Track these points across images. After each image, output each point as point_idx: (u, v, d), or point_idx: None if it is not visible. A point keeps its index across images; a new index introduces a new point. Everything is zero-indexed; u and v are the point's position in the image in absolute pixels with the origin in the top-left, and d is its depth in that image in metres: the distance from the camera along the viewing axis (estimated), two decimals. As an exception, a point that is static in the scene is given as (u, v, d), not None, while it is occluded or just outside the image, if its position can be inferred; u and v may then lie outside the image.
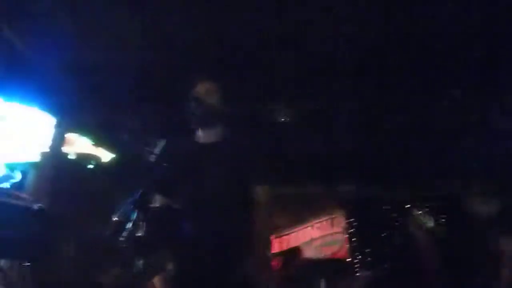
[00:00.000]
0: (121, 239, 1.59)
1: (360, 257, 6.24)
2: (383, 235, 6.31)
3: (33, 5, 3.55)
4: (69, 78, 4.40)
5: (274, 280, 4.12)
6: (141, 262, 1.72)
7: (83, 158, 5.01)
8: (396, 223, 6.34)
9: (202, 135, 2.44)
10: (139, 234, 1.58)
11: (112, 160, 5.00)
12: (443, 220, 4.05)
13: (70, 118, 4.76)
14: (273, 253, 6.41)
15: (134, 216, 1.58)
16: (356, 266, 6.15)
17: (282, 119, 4.71)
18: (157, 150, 1.88)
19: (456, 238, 4.80)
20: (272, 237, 5.58)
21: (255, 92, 4.73)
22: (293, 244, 6.42)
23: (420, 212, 3.95)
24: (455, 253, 6.12)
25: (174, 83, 4.28)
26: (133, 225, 1.57)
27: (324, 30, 3.87)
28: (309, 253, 6.23)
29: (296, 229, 6.47)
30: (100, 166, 5.03)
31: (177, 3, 3.59)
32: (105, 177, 5.25)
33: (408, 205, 5.81)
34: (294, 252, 6.34)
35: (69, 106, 4.66)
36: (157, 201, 2.14)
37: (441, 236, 5.30)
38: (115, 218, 1.54)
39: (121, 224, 1.55)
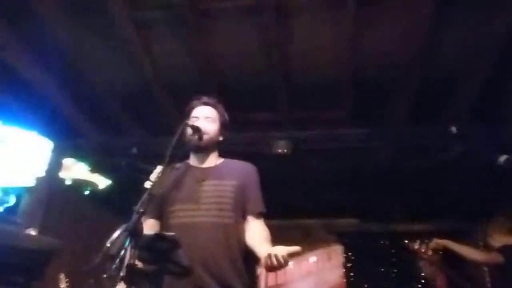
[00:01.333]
0: (113, 266, 1.55)
1: (357, 291, 6.15)
2: (381, 269, 6.23)
3: (32, 30, 3.60)
4: (68, 102, 4.42)
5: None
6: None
7: (79, 184, 4.97)
8: (394, 259, 6.27)
9: (200, 161, 2.43)
10: (132, 262, 1.54)
11: (109, 186, 4.97)
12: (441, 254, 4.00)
13: (67, 143, 4.76)
14: (269, 286, 6.29)
15: (127, 243, 1.54)
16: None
17: (282, 150, 4.69)
18: (152, 176, 1.87)
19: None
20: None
21: (255, 122, 4.76)
22: (289, 277, 6.30)
23: (421, 246, 3.91)
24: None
25: (173, 109, 4.32)
26: (125, 252, 1.53)
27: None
28: (305, 287, 6.11)
29: (292, 262, 6.35)
30: (96, 192, 4.99)
31: (180, 31, 3.66)
32: (101, 203, 5.21)
33: (407, 240, 5.75)
34: (290, 286, 6.22)
35: (66, 131, 4.66)
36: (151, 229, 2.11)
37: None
38: (107, 245, 1.51)
39: (113, 251, 1.52)
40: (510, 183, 4.49)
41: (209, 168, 2.40)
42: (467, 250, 3.90)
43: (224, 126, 2.48)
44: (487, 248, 4.12)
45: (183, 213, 2.23)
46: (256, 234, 2.23)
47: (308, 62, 3.97)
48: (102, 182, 5.06)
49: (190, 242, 2.03)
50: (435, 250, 3.91)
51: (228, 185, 2.30)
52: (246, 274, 2.23)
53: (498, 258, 3.68)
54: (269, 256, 1.87)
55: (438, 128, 4.47)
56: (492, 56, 3.68)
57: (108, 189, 4.93)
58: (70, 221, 4.76)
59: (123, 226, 1.57)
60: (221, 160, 2.48)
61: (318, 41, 3.71)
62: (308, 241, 6.49)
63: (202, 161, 2.42)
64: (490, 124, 4.38)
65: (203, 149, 2.39)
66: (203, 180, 2.30)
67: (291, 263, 6.33)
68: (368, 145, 4.80)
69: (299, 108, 4.54)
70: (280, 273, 6.19)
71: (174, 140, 2.03)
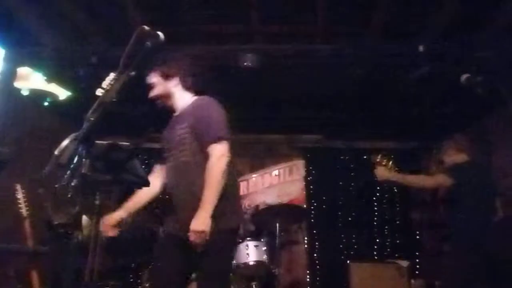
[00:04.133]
0: (64, 176, 1.52)
1: (316, 204, 6.40)
2: (340, 183, 6.46)
3: None
4: (21, 5, 4.10)
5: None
6: (87, 200, 1.65)
7: (38, 95, 4.77)
8: (353, 173, 6.49)
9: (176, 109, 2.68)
10: (83, 171, 1.50)
11: (69, 97, 4.78)
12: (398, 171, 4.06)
13: (22, 51, 4.49)
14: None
15: (78, 152, 1.49)
16: (311, 212, 6.32)
17: (247, 64, 4.58)
18: (105, 84, 1.78)
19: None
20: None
21: (225, 34, 4.60)
22: (252, 189, 6.49)
23: (382, 159, 3.92)
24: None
25: (136, 16, 4.10)
26: (77, 161, 1.49)
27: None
28: (267, 198, 6.32)
29: (255, 175, 6.52)
30: (56, 103, 4.82)
31: None
32: (60, 114, 5.07)
33: (366, 156, 5.92)
34: (253, 197, 6.43)
35: (20, 37, 4.38)
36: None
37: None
38: (56, 153, 1.45)
39: (63, 160, 1.46)
40: (471, 102, 4.58)
41: (178, 115, 2.70)
42: (413, 178, 3.98)
43: (165, 74, 2.64)
44: (438, 169, 4.21)
45: (167, 158, 2.65)
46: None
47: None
48: (62, 93, 4.87)
49: (167, 182, 2.65)
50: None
51: (183, 127, 2.56)
52: None
53: (446, 180, 3.76)
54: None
55: (408, 47, 4.42)
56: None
57: (68, 100, 4.75)
58: (29, 132, 4.63)
59: (73, 135, 1.51)
60: (191, 101, 2.69)
61: None
62: (271, 155, 6.64)
63: (176, 109, 2.73)
64: (460, 45, 4.37)
65: (167, 106, 2.70)
66: (174, 127, 2.63)
67: (254, 176, 6.56)
68: (336, 61, 4.75)
69: (271, 21, 4.42)
70: (243, 185, 6.37)
71: (128, 47, 1.93)
